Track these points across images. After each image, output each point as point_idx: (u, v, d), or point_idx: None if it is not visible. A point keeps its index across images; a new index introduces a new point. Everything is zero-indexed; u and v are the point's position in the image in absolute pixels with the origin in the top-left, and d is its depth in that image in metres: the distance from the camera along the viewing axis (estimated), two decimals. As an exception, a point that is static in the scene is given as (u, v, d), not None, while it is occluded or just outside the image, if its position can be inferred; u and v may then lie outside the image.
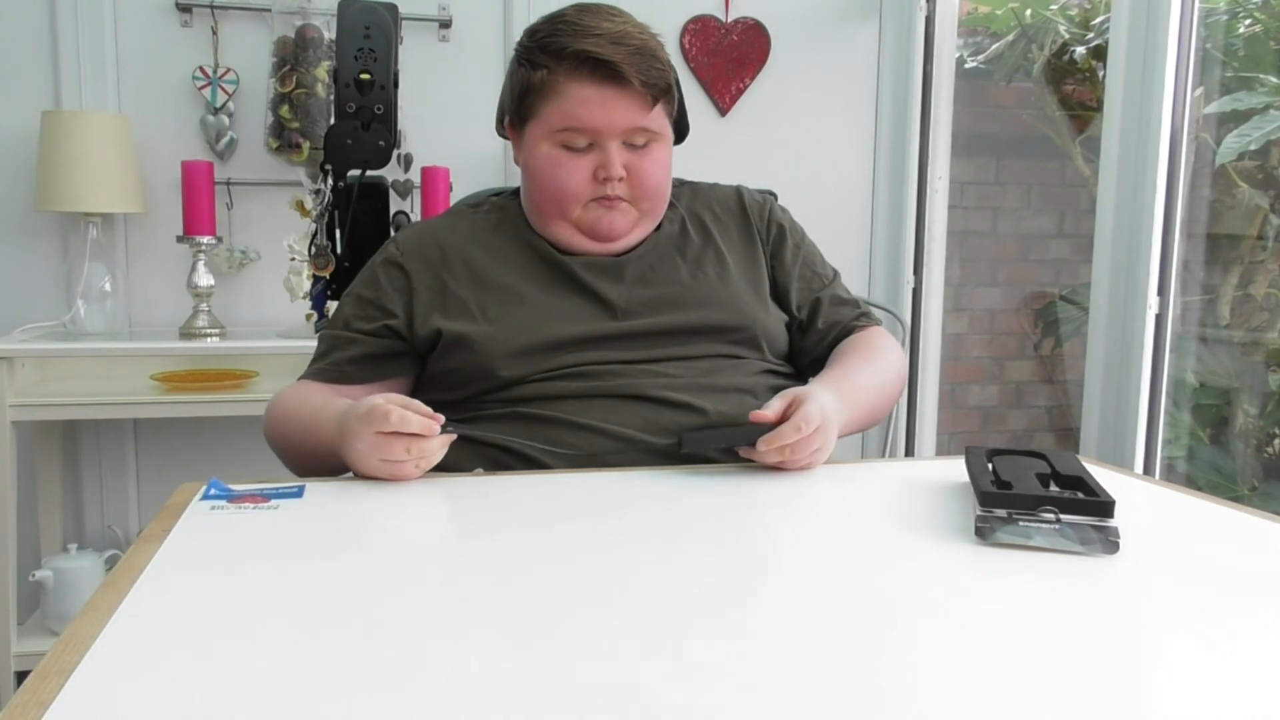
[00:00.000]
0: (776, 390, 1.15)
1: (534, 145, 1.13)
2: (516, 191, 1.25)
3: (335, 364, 1.15)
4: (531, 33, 1.13)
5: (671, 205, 1.22)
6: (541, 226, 1.17)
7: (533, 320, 1.10)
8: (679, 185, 1.26)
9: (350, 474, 1.03)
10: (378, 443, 0.91)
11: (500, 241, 1.18)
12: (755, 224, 1.24)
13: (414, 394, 1.13)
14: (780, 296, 1.22)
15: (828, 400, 1.02)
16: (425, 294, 1.14)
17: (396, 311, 1.14)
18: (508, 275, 1.14)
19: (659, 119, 1.13)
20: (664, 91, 1.11)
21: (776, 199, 1.32)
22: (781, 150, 2.61)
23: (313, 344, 1.99)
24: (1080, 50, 2.95)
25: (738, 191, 1.28)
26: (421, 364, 1.15)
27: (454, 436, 0.94)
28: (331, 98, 2.03)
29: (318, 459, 1.03)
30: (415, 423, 0.90)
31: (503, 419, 1.08)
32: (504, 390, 1.09)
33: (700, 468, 1.02)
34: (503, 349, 1.08)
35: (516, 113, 1.15)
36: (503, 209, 1.22)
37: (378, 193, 1.53)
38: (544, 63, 1.10)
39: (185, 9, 2.23)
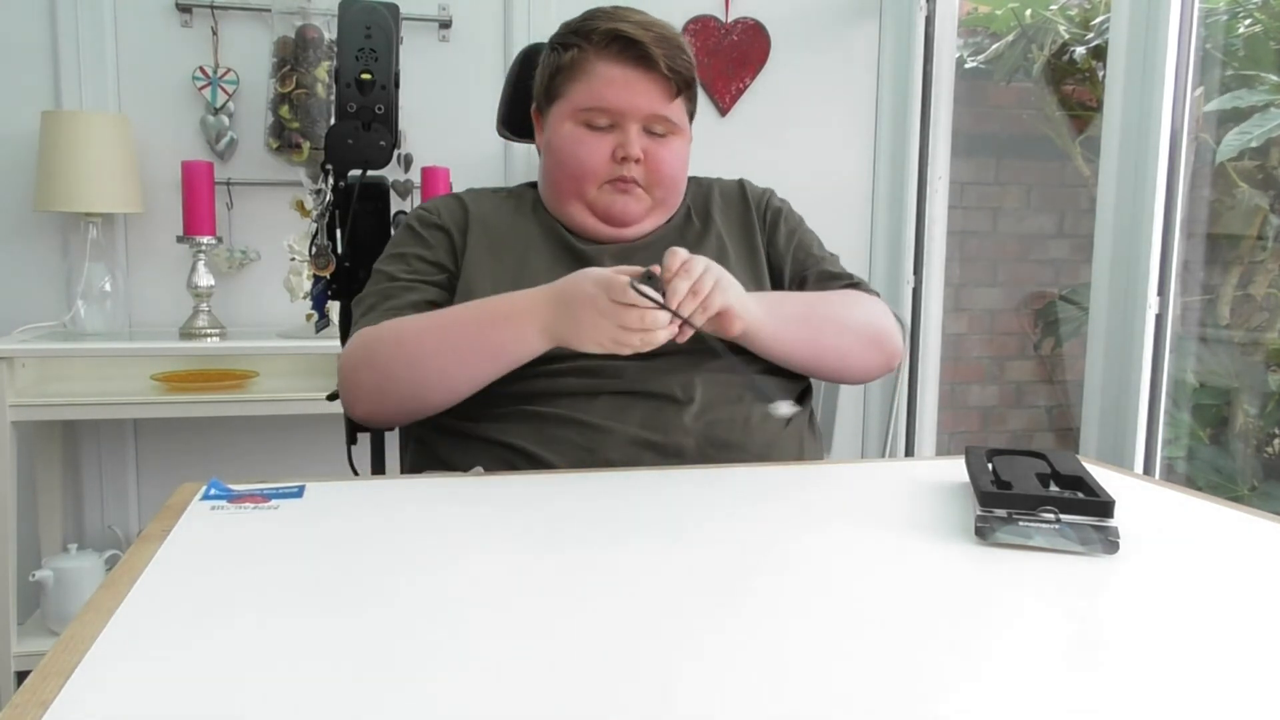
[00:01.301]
0: (776, 384, 1.15)
1: (557, 124, 1.16)
2: (532, 184, 1.27)
3: (394, 309, 1.10)
4: (565, 24, 1.18)
5: None
6: (557, 208, 1.19)
7: None
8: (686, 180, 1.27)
9: (353, 476, 1.03)
10: (615, 311, 0.93)
11: (518, 221, 1.20)
12: (755, 211, 1.26)
13: None
14: (775, 279, 1.23)
15: (709, 260, 1.01)
16: (462, 254, 1.16)
17: (451, 266, 1.16)
18: (521, 253, 1.16)
19: (679, 112, 1.16)
20: (687, 84, 1.15)
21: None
22: (781, 150, 2.61)
23: (312, 344, 2.00)
24: (1080, 50, 2.95)
25: (740, 183, 1.30)
26: None
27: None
28: (331, 98, 2.03)
29: (491, 356, 1.02)
30: (648, 301, 0.93)
31: (506, 417, 1.08)
32: (510, 384, 1.09)
33: (701, 468, 1.02)
34: None
35: (544, 94, 1.19)
36: (520, 195, 1.25)
37: (378, 193, 1.53)
38: (575, 43, 1.14)
39: (185, 9, 2.23)
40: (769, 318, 1.07)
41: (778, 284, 1.23)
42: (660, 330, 0.94)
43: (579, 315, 0.96)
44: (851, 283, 1.24)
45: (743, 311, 1.03)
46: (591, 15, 1.15)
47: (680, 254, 0.98)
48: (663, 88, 1.13)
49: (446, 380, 1.04)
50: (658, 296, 0.95)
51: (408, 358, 1.04)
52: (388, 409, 1.08)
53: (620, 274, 0.95)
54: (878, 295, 1.25)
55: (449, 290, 1.14)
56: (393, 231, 1.65)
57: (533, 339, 1.01)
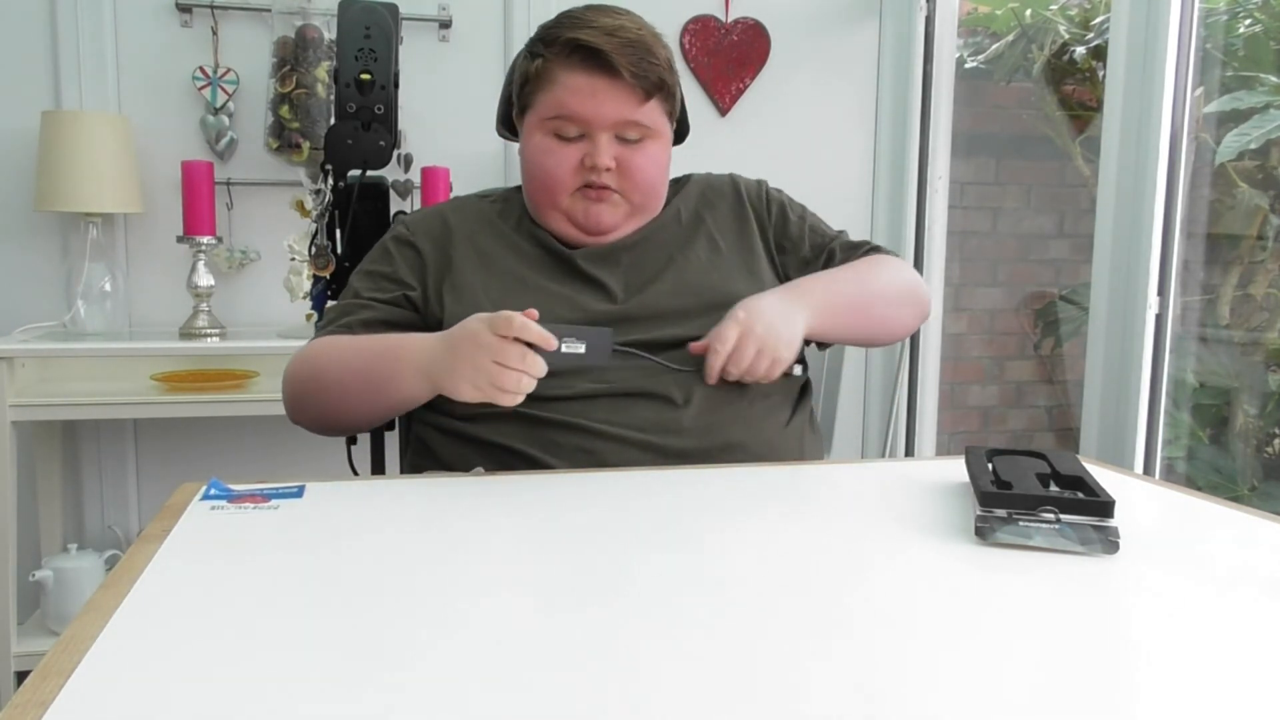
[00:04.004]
0: (775, 381, 1.15)
1: (529, 134, 1.15)
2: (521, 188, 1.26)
3: (346, 325, 1.13)
4: (541, 26, 1.16)
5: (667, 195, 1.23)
6: (538, 217, 1.19)
7: (535, 304, 1.11)
8: (675, 178, 1.26)
9: (353, 476, 1.03)
10: (496, 346, 0.91)
11: (505, 228, 1.20)
12: (751, 208, 1.25)
13: None
14: (796, 266, 1.24)
15: (760, 304, 1.06)
16: (436, 271, 1.15)
17: (413, 284, 1.15)
18: (510, 260, 1.16)
19: (653, 114, 1.14)
20: (657, 87, 1.12)
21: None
22: (781, 150, 2.61)
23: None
24: (1080, 50, 2.95)
25: (731, 178, 1.29)
26: None
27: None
28: (331, 98, 2.03)
29: (377, 391, 1.03)
30: (535, 332, 0.92)
31: (504, 419, 1.08)
32: None
33: (700, 468, 1.02)
34: None
35: (518, 103, 1.18)
36: (507, 199, 1.25)
37: (378, 193, 1.53)
38: (541, 52, 1.13)
39: (185, 9, 2.23)
40: (824, 312, 1.10)
41: (799, 270, 1.24)
42: (535, 376, 0.93)
43: (459, 351, 0.94)
44: (873, 247, 1.27)
45: (786, 362, 1.06)
46: (558, 22, 1.13)
47: (730, 337, 1.03)
48: (629, 94, 1.10)
49: (343, 407, 1.09)
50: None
51: (319, 380, 1.09)
52: (305, 421, 1.15)
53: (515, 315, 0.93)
54: (897, 255, 1.28)
55: (408, 307, 1.15)
56: (392, 231, 1.65)
57: (411, 380, 1.01)
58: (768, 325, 1.04)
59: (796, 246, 1.24)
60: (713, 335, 1.04)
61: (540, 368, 0.93)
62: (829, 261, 1.24)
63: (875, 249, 1.27)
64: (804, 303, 1.11)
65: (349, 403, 1.08)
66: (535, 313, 0.94)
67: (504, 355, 0.91)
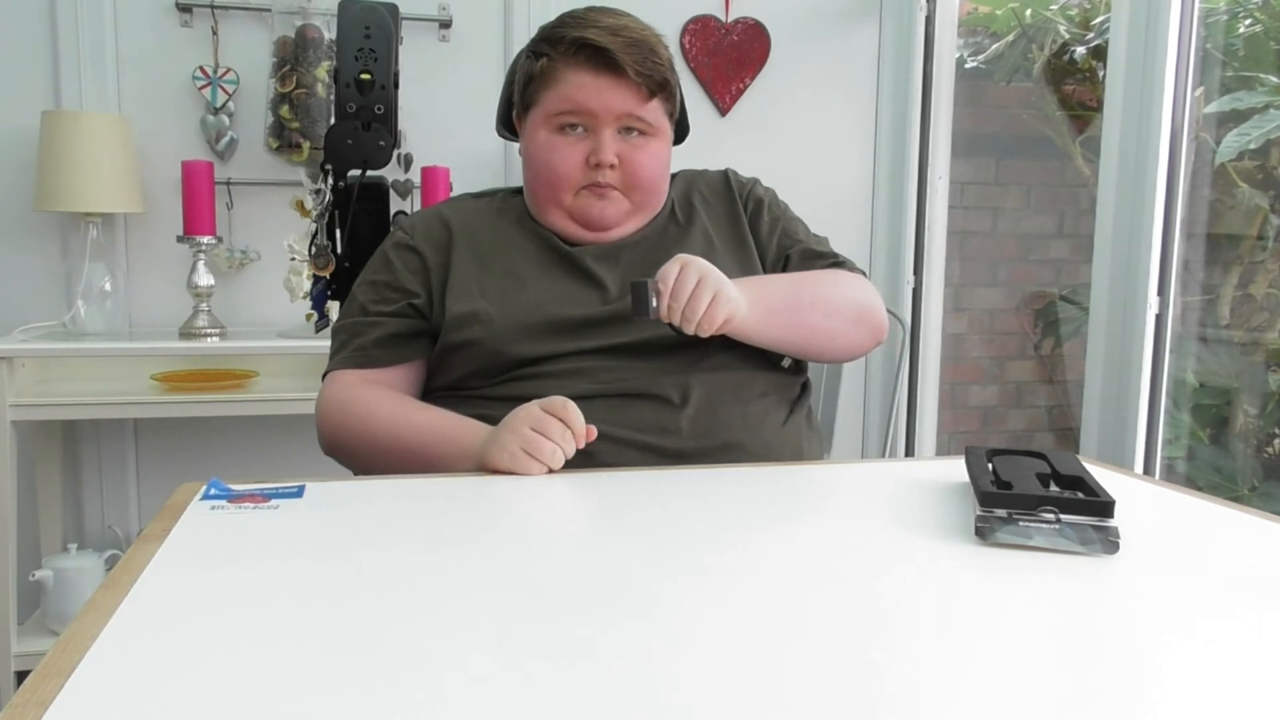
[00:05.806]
0: (772, 380, 1.15)
1: (533, 132, 1.16)
2: (518, 190, 1.26)
3: (361, 349, 1.15)
4: (541, 28, 1.18)
5: None
6: (539, 215, 1.19)
7: (532, 301, 1.12)
8: (672, 175, 1.27)
9: (353, 476, 1.03)
10: (540, 418, 0.96)
11: (503, 226, 1.20)
12: (739, 201, 1.25)
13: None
14: (762, 266, 1.23)
15: (705, 264, 1.05)
16: (438, 272, 1.16)
17: (417, 290, 1.16)
18: (509, 258, 1.16)
19: (656, 113, 1.15)
20: (661, 86, 1.14)
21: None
22: (781, 150, 2.61)
23: (312, 343, 2.00)
24: (1080, 50, 2.95)
25: (725, 174, 1.29)
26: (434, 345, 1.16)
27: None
28: (331, 98, 2.03)
29: (427, 465, 1.05)
30: (576, 423, 0.97)
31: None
32: (503, 385, 1.09)
33: (699, 468, 1.02)
34: (503, 328, 1.10)
35: (520, 103, 1.19)
36: (505, 199, 1.25)
37: (378, 193, 1.53)
38: (545, 51, 1.14)
39: (185, 9, 2.23)
40: (755, 309, 1.08)
41: (762, 269, 1.23)
42: (568, 455, 0.97)
43: (508, 425, 0.98)
44: (835, 261, 1.24)
45: (734, 311, 1.05)
46: (562, 22, 1.15)
47: (672, 271, 1.02)
48: (634, 91, 1.12)
49: (389, 467, 1.10)
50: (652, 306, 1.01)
51: (366, 440, 1.10)
52: (344, 462, 1.16)
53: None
54: (863, 274, 1.25)
55: (414, 316, 1.15)
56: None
57: (462, 464, 1.03)
58: (709, 267, 1.04)
59: (764, 244, 1.23)
60: (656, 276, 1.04)
61: (572, 450, 0.97)
62: (785, 267, 1.23)
63: (838, 264, 1.24)
64: (738, 280, 1.10)
65: (397, 465, 1.09)
66: (594, 431, 0.98)
67: (546, 427, 0.96)
